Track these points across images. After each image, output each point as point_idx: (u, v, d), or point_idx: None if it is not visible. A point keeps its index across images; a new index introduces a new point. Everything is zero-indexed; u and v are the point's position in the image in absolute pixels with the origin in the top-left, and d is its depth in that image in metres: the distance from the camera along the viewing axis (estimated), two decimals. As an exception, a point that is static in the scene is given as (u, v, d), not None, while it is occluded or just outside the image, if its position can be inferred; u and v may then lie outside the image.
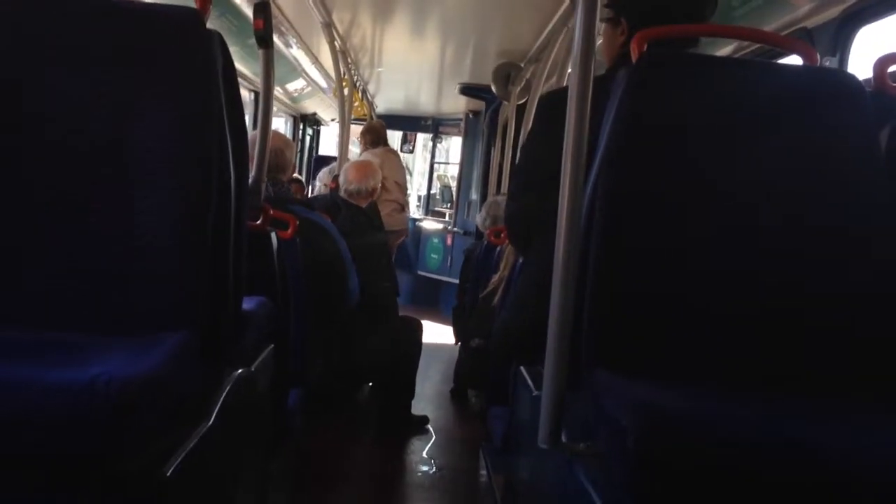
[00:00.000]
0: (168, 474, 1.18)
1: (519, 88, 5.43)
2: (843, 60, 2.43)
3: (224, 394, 1.51)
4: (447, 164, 9.77)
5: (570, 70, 3.88)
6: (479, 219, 5.01)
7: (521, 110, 5.18)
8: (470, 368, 4.26)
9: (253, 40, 2.38)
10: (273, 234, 2.36)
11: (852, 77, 1.61)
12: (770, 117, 1.54)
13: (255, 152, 2.34)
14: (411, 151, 9.74)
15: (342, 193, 4.05)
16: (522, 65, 5.28)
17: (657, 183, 1.51)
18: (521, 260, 2.55)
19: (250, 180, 2.26)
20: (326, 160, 6.77)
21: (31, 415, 1.08)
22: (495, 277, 3.66)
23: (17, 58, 1.51)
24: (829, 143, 1.54)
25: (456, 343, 4.97)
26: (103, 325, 1.43)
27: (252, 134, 2.25)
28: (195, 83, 1.53)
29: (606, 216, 1.47)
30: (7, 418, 1.08)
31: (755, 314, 1.48)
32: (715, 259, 1.50)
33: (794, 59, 1.79)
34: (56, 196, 1.49)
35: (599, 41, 1.74)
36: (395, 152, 6.78)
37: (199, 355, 1.44)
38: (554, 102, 1.92)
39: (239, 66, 1.68)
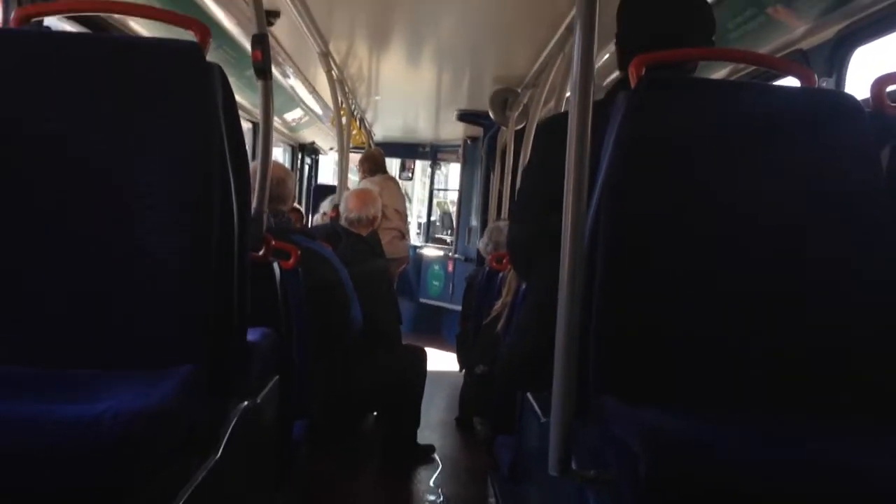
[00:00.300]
0: None
1: (517, 114, 5.45)
2: (840, 82, 2.44)
3: (231, 426, 1.51)
4: (447, 190, 9.78)
5: (568, 94, 3.91)
6: (481, 245, 5.01)
7: (519, 135, 5.21)
8: (475, 396, 4.23)
9: (250, 71, 2.39)
10: (275, 265, 2.36)
11: (850, 97, 1.61)
12: (770, 139, 1.55)
13: (255, 183, 2.34)
14: (410, 178, 9.76)
15: (343, 222, 4.06)
16: (519, 90, 5.31)
17: (659, 206, 1.51)
18: (524, 285, 2.55)
19: (252, 211, 2.26)
20: (326, 189, 6.79)
21: (38, 451, 1.07)
22: (498, 304, 3.65)
23: (19, 96, 1.52)
24: (829, 164, 1.54)
25: (460, 370, 4.95)
26: (109, 360, 1.43)
27: (252, 164, 2.26)
28: (196, 116, 1.54)
29: (610, 240, 1.47)
30: (14, 454, 1.07)
31: (761, 337, 1.47)
32: (718, 281, 1.50)
33: (791, 82, 1.80)
34: (60, 230, 1.49)
35: (598, 65, 1.75)
36: (394, 180, 6.79)
37: (206, 388, 1.43)
38: (553, 127, 1.93)
39: (237, 97, 1.69)
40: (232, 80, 1.67)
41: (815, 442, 1.26)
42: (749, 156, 1.54)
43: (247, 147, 1.78)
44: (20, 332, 1.45)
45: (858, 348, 1.47)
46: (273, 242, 2.35)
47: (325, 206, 5.10)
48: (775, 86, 2.21)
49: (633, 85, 1.58)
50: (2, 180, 1.49)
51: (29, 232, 1.49)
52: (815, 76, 1.79)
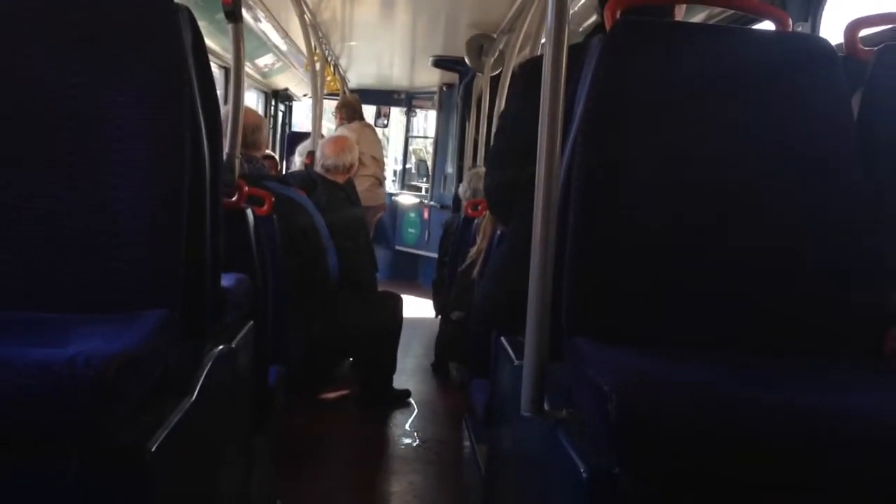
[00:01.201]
0: (152, 450, 1.18)
1: (492, 60, 5.41)
2: (815, 26, 2.44)
3: (205, 371, 1.51)
4: (426, 138, 9.70)
5: (543, 40, 3.86)
6: (460, 190, 5.01)
7: (494, 82, 5.18)
8: (450, 341, 4.27)
9: (221, 15, 2.35)
10: (249, 211, 2.35)
11: (824, 42, 1.62)
12: (744, 83, 1.55)
13: (227, 128, 2.32)
14: (385, 126, 9.68)
15: (318, 169, 4.03)
16: (495, 36, 5.26)
17: (632, 150, 1.51)
18: (499, 231, 2.56)
19: (224, 157, 2.24)
20: (300, 137, 6.73)
21: (9, 394, 1.07)
22: (473, 250, 3.68)
23: None
24: (802, 108, 1.55)
25: (436, 317, 4.98)
26: (81, 305, 1.42)
27: (224, 110, 2.24)
28: (164, 59, 1.51)
29: (583, 184, 1.48)
30: None
31: (733, 279, 1.49)
32: (691, 225, 1.51)
33: (766, 27, 1.80)
34: (28, 176, 1.47)
35: (574, 9, 1.74)
36: (371, 127, 6.75)
37: (179, 333, 1.43)
38: (530, 71, 1.92)
39: (208, 41, 1.66)
40: (201, 25, 1.64)
41: (788, 382, 1.28)
42: (723, 99, 1.54)
43: (218, 93, 1.75)
44: None
45: (834, 288, 1.50)
46: (246, 188, 2.34)
47: (297, 157, 5.05)
48: (751, 29, 2.20)
49: (607, 28, 1.57)
50: None
51: None
52: (791, 20, 1.78)
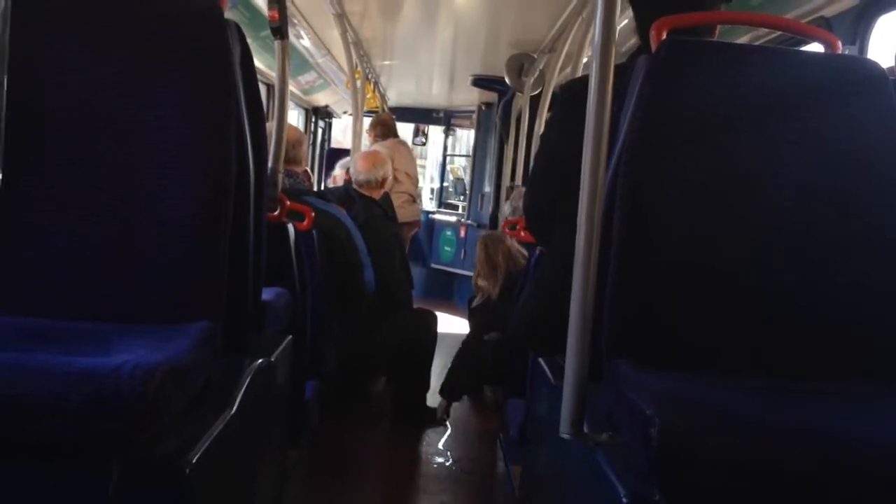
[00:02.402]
0: (192, 462, 1.19)
1: (532, 79, 5.41)
2: (863, 50, 2.41)
3: (246, 383, 1.52)
4: (468, 156, 9.72)
5: (585, 60, 3.86)
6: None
7: (534, 101, 5.17)
8: (483, 365, 4.24)
9: (265, 32, 2.40)
10: (290, 226, 2.36)
11: (876, 65, 1.59)
12: (792, 105, 1.53)
13: (271, 143, 2.34)
14: (423, 144, 9.72)
15: (354, 185, 4.06)
16: (536, 55, 5.27)
17: (678, 171, 1.50)
18: (537, 252, 2.55)
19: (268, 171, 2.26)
20: (339, 153, 6.79)
21: (55, 401, 1.08)
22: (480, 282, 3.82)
23: (35, 50, 1.52)
24: (853, 131, 1.52)
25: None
26: (125, 315, 1.44)
27: (267, 125, 2.26)
28: (213, 73, 1.54)
29: (627, 205, 1.46)
30: (31, 404, 1.08)
31: (779, 305, 1.47)
32: (737, 249, 1.49)
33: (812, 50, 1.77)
34: (76, 186, 1.49)
35: (619, 27, 1.73)
36: (405, 144, 6.77)
37: (221, 345, 1.44)
38: (574, 91, 1.91)
39: (252, 58, 1.69)
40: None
41: (832, 410, 1.26)
42: (771, 122, 1.52)
43: (262, 108, 1.78)
44: (36, 285, 1.46)
45: (882, 316, 1.46)
46: (288, 203, 2.36)
47: (337, 170, 5.11)
48: (800, 51, 2.17)
49: (654, 48, 1.56)
50: (19, 130, 1.49)
51: (47, 185, 1.49)
52: (840, 43, 1.76)
